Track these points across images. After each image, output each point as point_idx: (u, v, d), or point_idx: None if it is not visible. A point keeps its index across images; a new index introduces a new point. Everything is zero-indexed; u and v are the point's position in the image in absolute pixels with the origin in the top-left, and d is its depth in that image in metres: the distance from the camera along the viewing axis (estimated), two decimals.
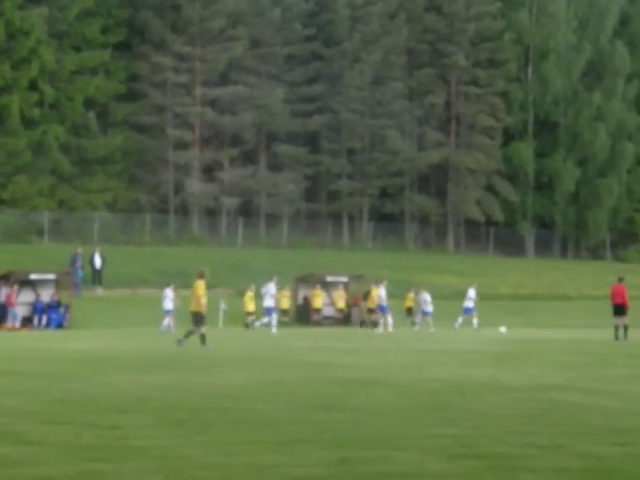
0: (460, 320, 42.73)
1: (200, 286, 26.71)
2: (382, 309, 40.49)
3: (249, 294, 41.55)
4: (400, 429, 11.29)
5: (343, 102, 68.91)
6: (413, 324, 43.21)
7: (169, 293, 39.61)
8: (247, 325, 40.63)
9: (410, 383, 16.88)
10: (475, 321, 42.61)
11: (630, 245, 77.62)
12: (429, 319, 42.90)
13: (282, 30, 68.81)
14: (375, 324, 40.57)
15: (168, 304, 39.30)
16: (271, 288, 40.56)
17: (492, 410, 13.13)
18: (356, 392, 15.38)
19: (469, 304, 43.25)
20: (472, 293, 43.46)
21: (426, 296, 43.56)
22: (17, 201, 60.27)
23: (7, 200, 60.15)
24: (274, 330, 38.45)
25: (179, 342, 26.41)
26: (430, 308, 43.30)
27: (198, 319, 26.62)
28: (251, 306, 41.26)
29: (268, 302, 40.28)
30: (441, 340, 32.37)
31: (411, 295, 44.64)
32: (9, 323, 39.88)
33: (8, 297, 40.30)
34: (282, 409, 13.09)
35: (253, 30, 67.66)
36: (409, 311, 44.59)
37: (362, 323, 42.64)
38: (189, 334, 26.63)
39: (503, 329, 40.03)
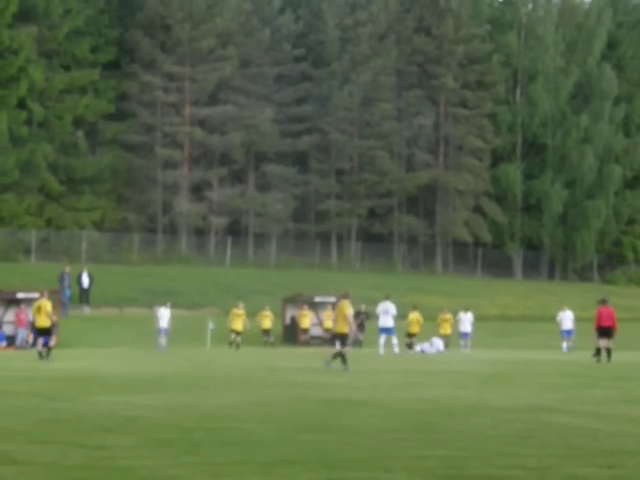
0: (565, 344, 42.36)
1: (347, 306, 26.49)
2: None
3: (263, 313, 42.96)
4: (388, 450, 11.28)
5: (332, 122, 69.06)
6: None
7: (165, 312, 39.77)
8: (265, 343, 42.08)
9: (398, 404, 16.87)
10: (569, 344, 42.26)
11: (617, 267, 77.79)
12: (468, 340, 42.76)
13: (271, 50, 69.01)
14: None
15: (164, 323, 39.49)
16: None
17: (479, 431, 13.14)
18: (344, 412, 15.36)
19: (568, 325, 42.72)
20: (569, 315, 42.97)
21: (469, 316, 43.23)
22: (4, 219, 60.17)
23: None
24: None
25: (327, 363, 25.89)
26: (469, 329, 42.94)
27: (344, 339, 26.30)
28: (267, 323, 43.08)
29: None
30: (429, 361, 32.36)
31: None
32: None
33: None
34: (269, 429, 13.06)
35: (243, 50, 67.86)
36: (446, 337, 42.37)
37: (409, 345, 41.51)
38: (340, 355, 26.05)
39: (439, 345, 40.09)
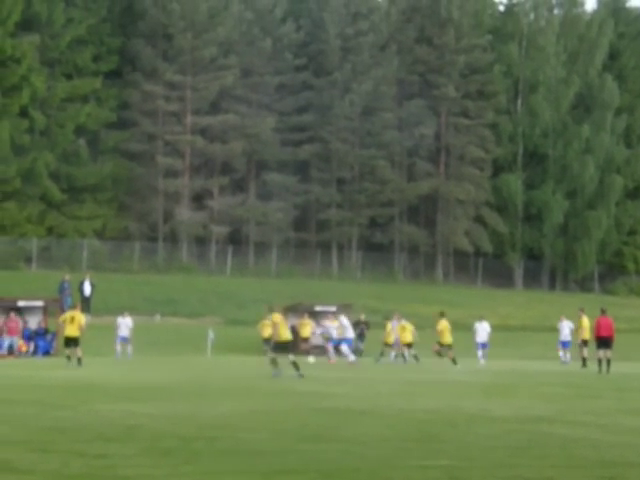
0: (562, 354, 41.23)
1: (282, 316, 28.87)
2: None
3: (264, 322, 42.42)
4: (389, 460, 11.25)
5: (333, 132, 69.10)
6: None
7: (123, 321, 39.77)
8: (266, 352, 41.90)
9: (399, 413, 16.84)
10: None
11: (618, 278, 77.71)
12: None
13: (273, 60, 69.07)
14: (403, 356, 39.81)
15: (122, 332, 39.57)
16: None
17: (481, 442, 13.11)
18: (344, 422, 15.34)
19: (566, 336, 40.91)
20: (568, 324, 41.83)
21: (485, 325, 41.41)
22: (6, 227, 60.19)
23: None
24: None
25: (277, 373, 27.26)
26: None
27: (288, 347, 28.40)
28: (267, 332, 42.58)
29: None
30: (430, 371, 32.32)
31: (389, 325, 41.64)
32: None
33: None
34: (270, 439, 13.04)
35: (244, 59, 67.93)
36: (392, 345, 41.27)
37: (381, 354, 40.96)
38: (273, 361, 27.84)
39: (311, 359, 38.68)
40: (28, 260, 59.34)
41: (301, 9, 72.97)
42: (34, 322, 41.44)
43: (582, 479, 10.22)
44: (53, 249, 60.71)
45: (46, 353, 40.50)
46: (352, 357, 38.10)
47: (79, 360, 31.38)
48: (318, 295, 53.39)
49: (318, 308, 47.40)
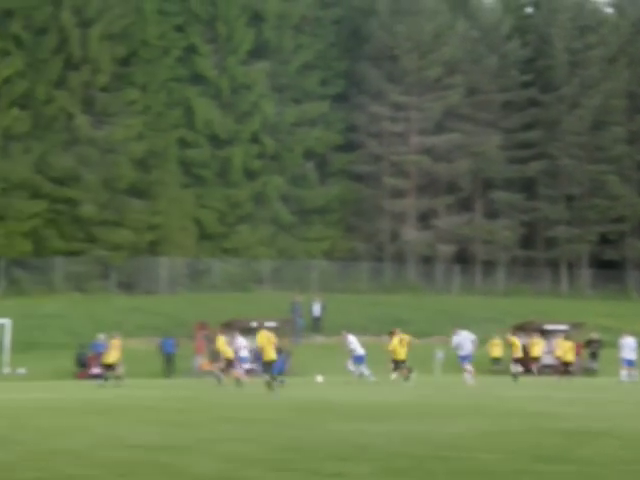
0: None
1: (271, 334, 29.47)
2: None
3: (493, 341, 42.43)
4: None
5: (561, 148, 68.00)
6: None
7: (243, 341, 39.33)
8: (495, 371, 41.71)
9: (636, 434, 16.38)
10: None
11: None
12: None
13: (499, 77, 68.66)
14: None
15: (244, 352, 39.28)
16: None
17: None
18: (580, 443, 15.04)
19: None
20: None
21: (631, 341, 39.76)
22: (239, 250, 62.12)
23: (230, 249, 62.14)
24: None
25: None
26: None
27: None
28: (496, 352, 42.58)
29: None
30: None
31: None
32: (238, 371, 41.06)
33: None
34: (504, 459, 12.93)
35: (469, 78, 67.81)
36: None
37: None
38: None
39: (319, 378, 37.04)
40: (259, 281, 60.96)
41: (527, 25, 72.29)
42: None
43: None
44: (284, 270, 62.11)
45: (280, 373, 41.42)
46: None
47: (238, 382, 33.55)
48: (547, 313, 52.53)
49: (548, 327, 46.68)
